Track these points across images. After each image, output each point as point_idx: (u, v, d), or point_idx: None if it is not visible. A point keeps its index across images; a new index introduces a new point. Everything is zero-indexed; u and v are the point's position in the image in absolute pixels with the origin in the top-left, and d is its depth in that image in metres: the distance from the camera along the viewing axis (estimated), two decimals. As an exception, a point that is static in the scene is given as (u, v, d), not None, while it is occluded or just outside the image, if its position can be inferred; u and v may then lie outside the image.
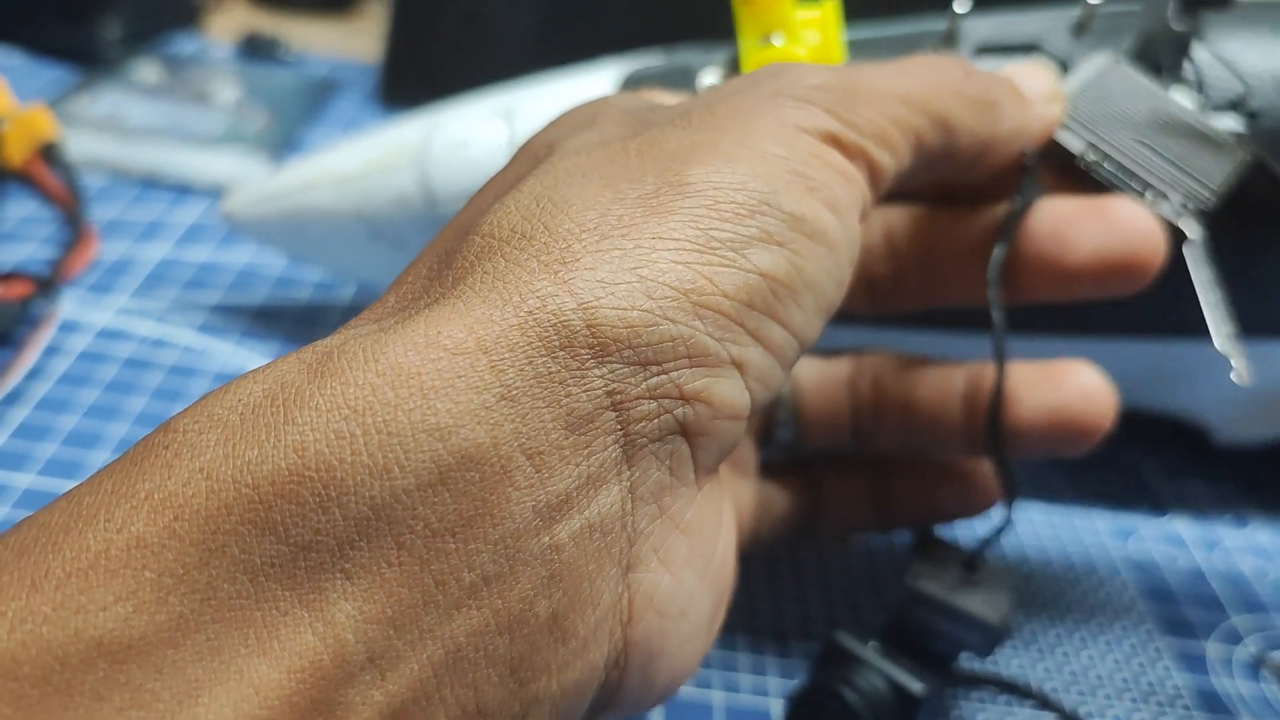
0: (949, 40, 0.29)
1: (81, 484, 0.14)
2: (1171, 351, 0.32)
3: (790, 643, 0.26)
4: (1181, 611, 0.29)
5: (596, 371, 0.15)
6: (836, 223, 0.17)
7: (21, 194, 0.41)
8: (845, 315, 0.24)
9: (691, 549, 0.17)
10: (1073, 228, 0.23)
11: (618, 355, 0.15)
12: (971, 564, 0.23)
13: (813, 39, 0.26)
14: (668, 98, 0.22)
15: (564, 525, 0.15)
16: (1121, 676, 0.27)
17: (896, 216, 0.25)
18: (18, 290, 0.32)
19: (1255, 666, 0.28)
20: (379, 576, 0.13)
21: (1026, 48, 0.29)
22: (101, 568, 0.12)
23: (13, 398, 0.30)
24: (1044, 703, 0.25)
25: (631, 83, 0.29)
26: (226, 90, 0.52)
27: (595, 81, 0.29)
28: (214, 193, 0.43)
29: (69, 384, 0.31)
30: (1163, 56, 0.28)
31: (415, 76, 0.53)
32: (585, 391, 0.15)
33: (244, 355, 0.34)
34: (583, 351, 0.15)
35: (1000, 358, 0.23)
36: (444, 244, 0.17)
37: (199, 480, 0.13)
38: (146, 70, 0.52)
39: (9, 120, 0.40)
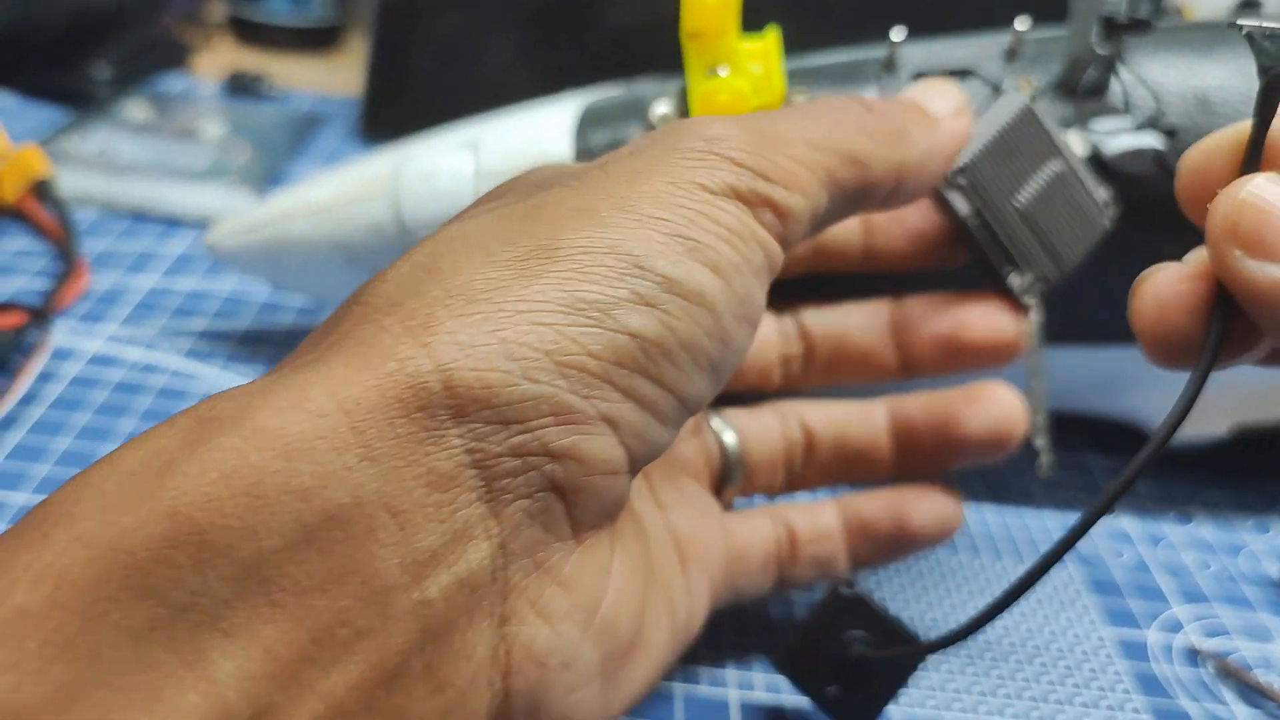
0: (888, 67, 0.31)
1: None
2: (1115, 357, 0.34)
3: (750, 637, 0.28)
4: (1125, 602, 0.31)
5: (455, 431, 0.15)
6: (718, 283, 0.18)
7: (15, 229, 0.42)
8: (757, 390, 0.27)
9: (572, 602, 0.17)
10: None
11: (476, 415, 0.15)
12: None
13: (756, 70, 0.27)
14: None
15: (433, 581, 0.15)
16: (1065, 664, 0.28)
17: (809, 308, 0.27)
18: (12, 320, 0.34)
19: (1193, 653, 0.29)
20: (256, 634, 0.14)
21: (961, 73, 0.31)
22: None
23: (8, 422, 0.32)
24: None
25: (589, 115, 0.31)
26: (212, 127, 0.54)
27: (557, 113, 0.31)
28: (201, 225, 0.45)
29: (62, 408, 0.33)
30: (1088, 79, 0.30)
31: (394, 110, 0.55)
32: (444, 451, 0.15)
33: (230, 378, 0.35)
34: (440, 413, 0.15)
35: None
36: (343, 307, 0.18)
37: (76, 549, 0.13)
38: (135, 109, 0.54)
39: (3, 159, 0.42)
